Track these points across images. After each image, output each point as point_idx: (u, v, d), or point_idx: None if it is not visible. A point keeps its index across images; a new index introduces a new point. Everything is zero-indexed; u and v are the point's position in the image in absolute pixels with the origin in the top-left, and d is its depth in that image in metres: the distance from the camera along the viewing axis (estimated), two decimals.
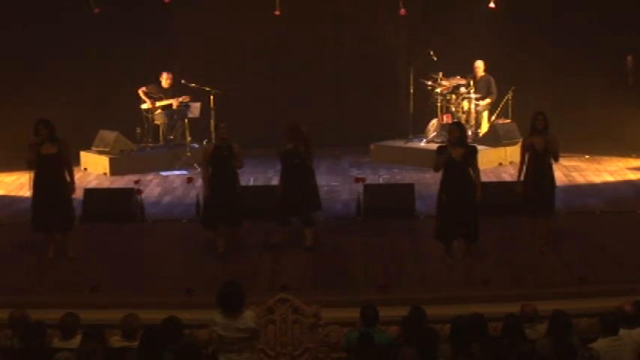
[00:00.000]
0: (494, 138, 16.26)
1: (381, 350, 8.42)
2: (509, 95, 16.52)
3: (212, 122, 16.01)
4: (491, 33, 16.80)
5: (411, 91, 16.66)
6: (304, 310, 9.48)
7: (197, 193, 13.24)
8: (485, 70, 16.60)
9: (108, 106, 16.75)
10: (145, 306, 9.92)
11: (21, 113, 15.79)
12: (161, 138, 16.72)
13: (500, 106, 16.62)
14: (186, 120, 16.53)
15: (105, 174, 16.09)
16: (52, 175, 11.62)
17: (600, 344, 8.42)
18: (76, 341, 8.70)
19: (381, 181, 15.27)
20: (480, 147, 14.12)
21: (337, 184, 15.20)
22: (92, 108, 16.86)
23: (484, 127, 16.59)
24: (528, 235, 12.02)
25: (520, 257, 11.69)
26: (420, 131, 16.69)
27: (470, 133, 15.63)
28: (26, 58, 16.98)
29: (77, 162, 15.95)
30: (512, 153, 15.98)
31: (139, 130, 16.51)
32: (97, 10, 16.01)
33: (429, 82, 16.48)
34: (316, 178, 12.39)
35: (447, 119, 16.22)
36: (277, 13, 15.99)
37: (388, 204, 13.27)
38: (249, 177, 14.95)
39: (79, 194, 12.90)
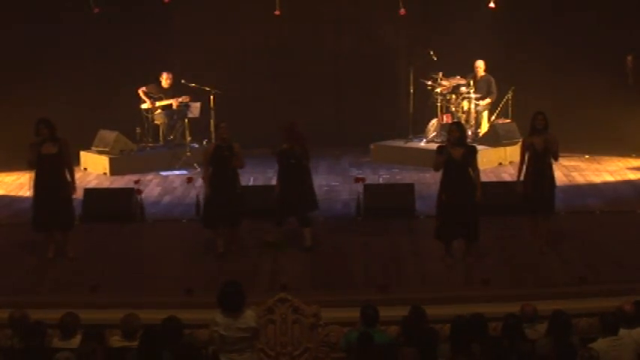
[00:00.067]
0: (494, 138, 16.26)
1: (381, 350, 8.42)
2: (509, 95, 16.51)
3: (212, 122, 15.99)
4: (491, 33, 16.78)
5: (411, 91, 16.65)
6: (304, 310, 9.47)
7: (197, 192, 13.25)
8: (485, 70, 16.59)
9: (108, 106, 16.75)
10: (145, 306, 9.92)
11: (21, 113, 15.78)
12: (161, 138, 16.72)
13: (500, 106, 16.62)
14: (186, 120, 16.52)
15: (105, 174, 16.08)
16: (53, 175, 11.61)
17: (600, 344, 8.41)
18: (76, 341, 8.70)
19: (381, 181, 15.26)
20: (479, 147, 14.12)
21: (337, 184, 15.19)
22: (92, 108, 16.85)
23: (484, 127, 16.58)
24: (528, 235, 12.01)
25: (520, 257, 11.68)
26: (420, 131, 16.68)
27: (470, 133, 15.63)
28: (26, 58, 16.96)
29: (77, 162, 15.93)
30: (512, 153, 15.97)
31: (138, 130, 16.50)
32: (97, 10, 16.00)
33: (429, 82, 16.48)
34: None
35: (446, 119, 16.21)
36: (277, 13, 15.98)
37: (388, 204, 13.27)
38: (249, 177, 14.94)
39: (79, 194, 12.90)
